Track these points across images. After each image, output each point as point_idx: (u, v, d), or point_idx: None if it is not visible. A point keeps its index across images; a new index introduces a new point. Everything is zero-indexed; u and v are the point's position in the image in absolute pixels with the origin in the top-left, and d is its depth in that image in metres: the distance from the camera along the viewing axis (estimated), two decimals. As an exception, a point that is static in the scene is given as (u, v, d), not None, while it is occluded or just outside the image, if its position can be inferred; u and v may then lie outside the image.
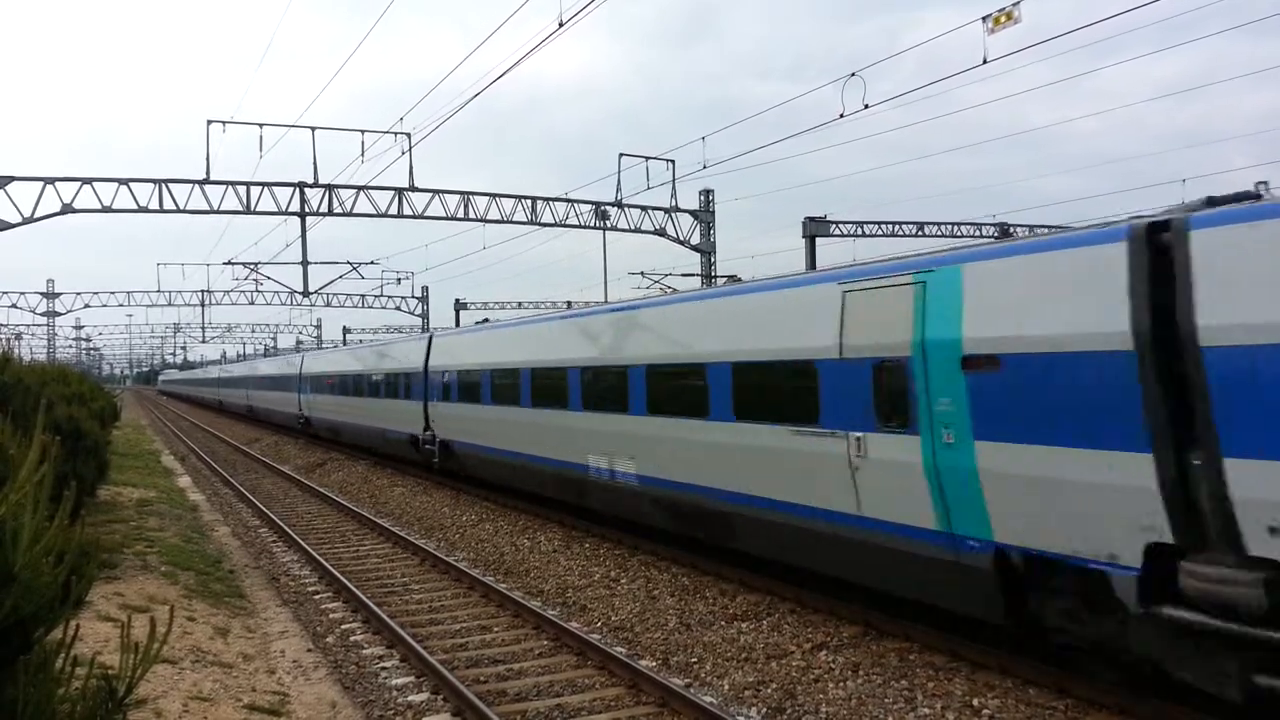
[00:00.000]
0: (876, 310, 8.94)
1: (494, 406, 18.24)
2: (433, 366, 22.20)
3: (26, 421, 3.17)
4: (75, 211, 24.88)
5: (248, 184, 27.14)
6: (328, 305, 56.90)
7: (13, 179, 24.33)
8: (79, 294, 57.38)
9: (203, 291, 57.01)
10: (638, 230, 31.38)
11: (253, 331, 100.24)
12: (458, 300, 57.20)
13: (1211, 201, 6.69)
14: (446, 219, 29.14)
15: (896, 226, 37.13)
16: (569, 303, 53.54)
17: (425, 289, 57.47)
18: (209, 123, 25.05)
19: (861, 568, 9.32)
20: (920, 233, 37.45)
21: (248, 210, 27.11)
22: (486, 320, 23.34)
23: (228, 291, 54.76)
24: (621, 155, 28.94)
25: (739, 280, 14.69)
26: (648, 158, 28.68)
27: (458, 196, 29.26)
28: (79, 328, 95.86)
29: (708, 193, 32.33)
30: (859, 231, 35.65)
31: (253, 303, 54.49)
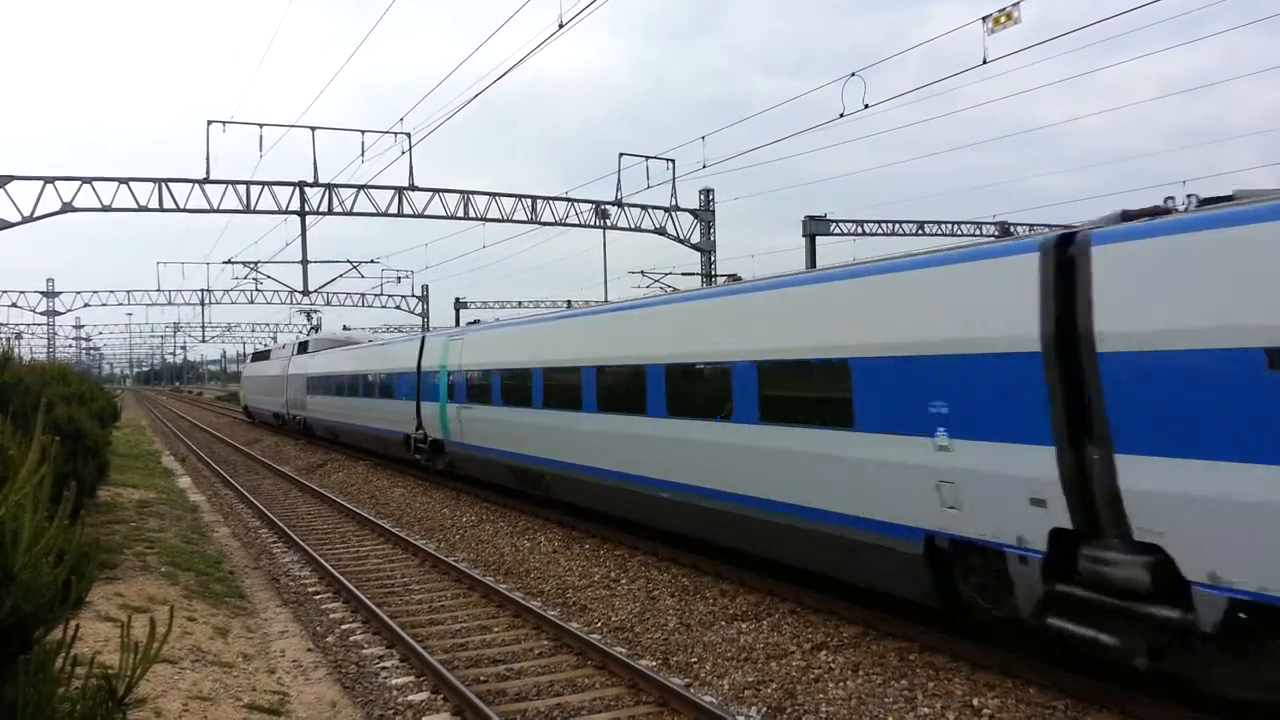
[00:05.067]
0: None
1: (322, 396, 32.82)
2: (293, 371, 37.10)
3: (26, 421, 3.17)
4: (75, 210, 24.88)
5: (248, 183, 27.15)
6: (328, 304, 56.90)
7: (12, 178, 24.32)
8: (79, 293, 57.46)
9: (203, 290, 56.99)
10: (638, 229, 31.39)
11: (253, 331, 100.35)
12: (458, 299, 57.20)
13: (462, 324, 22.73)
14: (446, 218, 29.16)
15: (897, 225, 37.10)
16: (569, 302, 53.51)
17: (425, 288, 57.41)
18: (209, 123, 25.10)
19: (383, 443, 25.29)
20: (920, 232, 37.40)
21: (248, 209, 27.11)
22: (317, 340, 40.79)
23: (228, 290, 54.78)
24: (622, 155, 29.01)
25: (739, 279, 14.89)
26: (648, 157, 28.72)
27: (458, 196, 29.27)
28: (79, 327, 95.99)
29: (708, 192, 32.34)
30: (859, 231, 35.64)
31: (252, 302, 54.54)
